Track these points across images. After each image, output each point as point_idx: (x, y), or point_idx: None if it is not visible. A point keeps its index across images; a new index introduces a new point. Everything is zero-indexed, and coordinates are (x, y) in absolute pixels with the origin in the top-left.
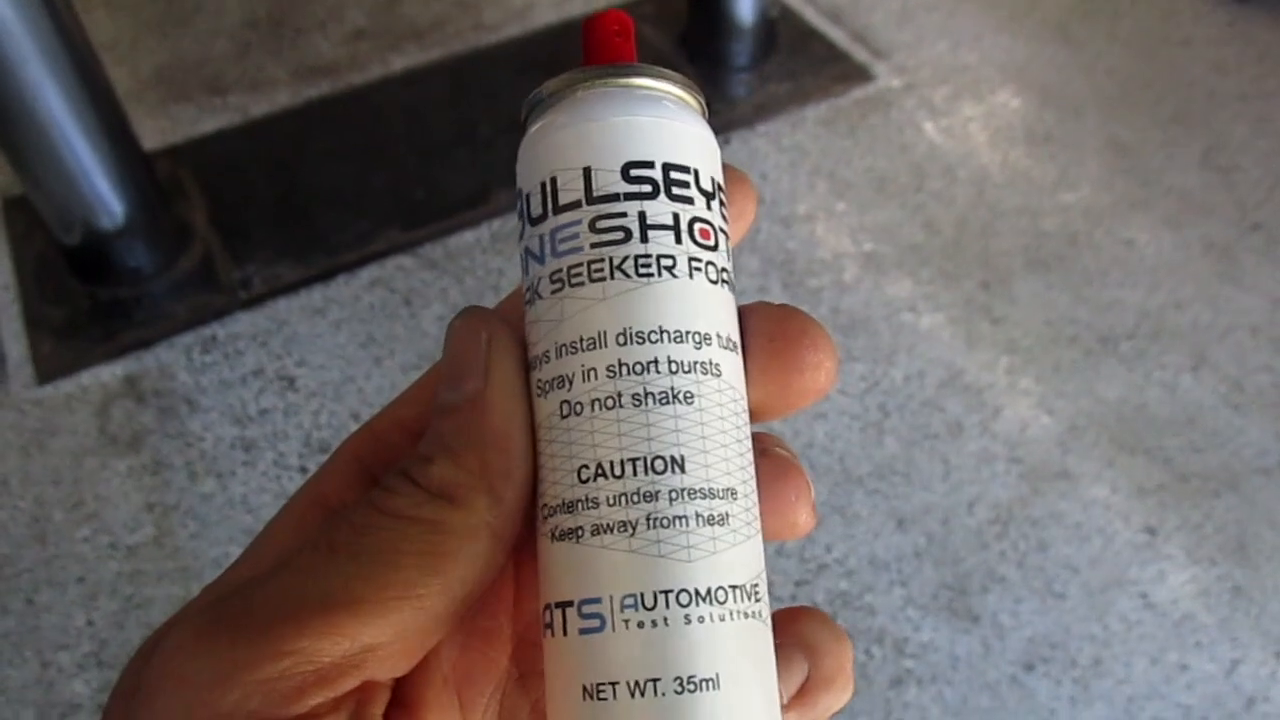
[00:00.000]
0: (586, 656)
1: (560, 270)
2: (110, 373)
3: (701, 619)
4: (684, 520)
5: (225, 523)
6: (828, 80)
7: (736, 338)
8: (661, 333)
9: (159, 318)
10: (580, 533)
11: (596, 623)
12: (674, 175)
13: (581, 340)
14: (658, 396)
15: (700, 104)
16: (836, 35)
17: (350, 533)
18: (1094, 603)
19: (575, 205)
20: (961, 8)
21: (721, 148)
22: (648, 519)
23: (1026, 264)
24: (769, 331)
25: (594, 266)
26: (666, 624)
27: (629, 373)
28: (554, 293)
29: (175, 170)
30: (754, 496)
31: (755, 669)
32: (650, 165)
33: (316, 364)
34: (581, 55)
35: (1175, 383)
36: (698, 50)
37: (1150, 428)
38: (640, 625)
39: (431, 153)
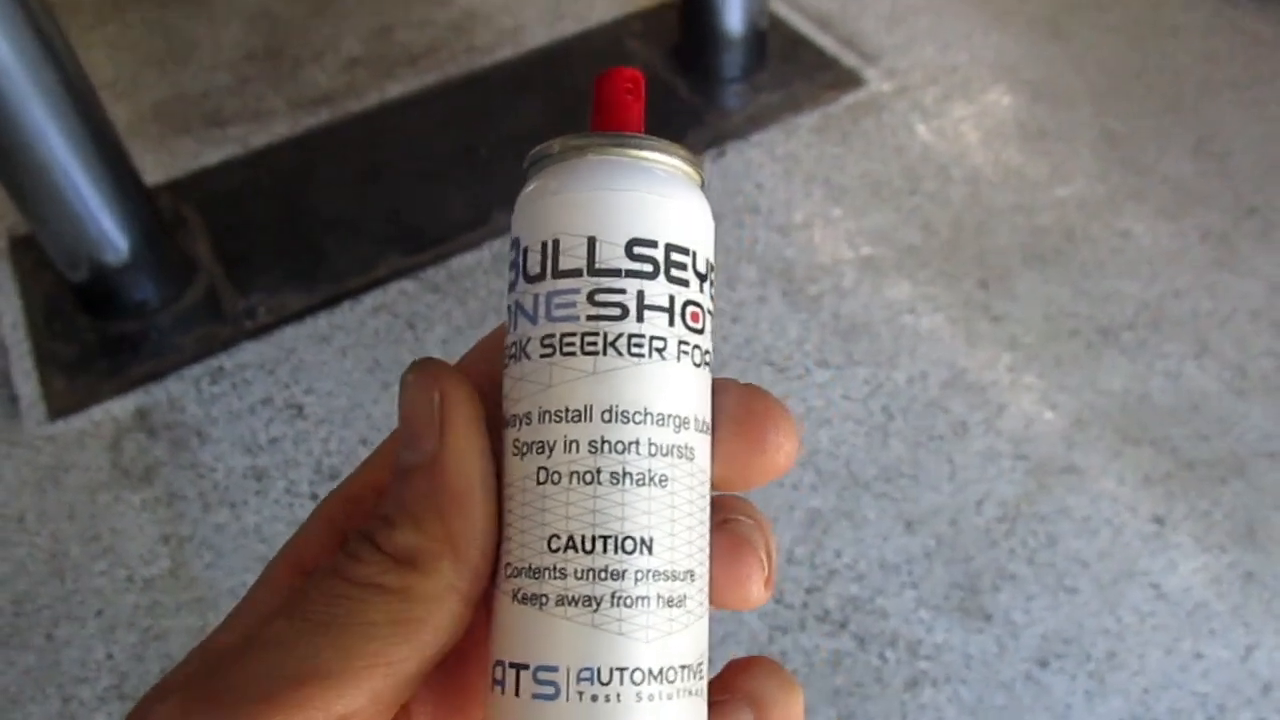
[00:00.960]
0: (533, 715)
1: (553, 336)
2: (121, 407)
3: (651, 697)
4: (646, 601)
5: (239, 552)
6: (819, 87)
7: (709, 419)
8: (646, 414)
9: (167, 350)
10: (544, 600)
11: (550, 690)
12: (674, 256)
13: (567, 411)
14: (635, 477)
15: (702, 177)
16: (826, 42)
17: (321, 602)
18: (1106, 595)
19: (576, 273)
20: (949, 8)
21: (716, 159)
22: (612, 596)
23: (1024, 260)
24: (736, 413)
25: (588, 339)
26: (619, 699)
27: (610, 450)
28: (543, 356)
29: (178, 203)
30: (707, 576)
31: None
32: (654, 244)
33: (324, 391)
34: (592, 110)
35: (1178, 371)
36: (689, 63)
37: (1155, 417)
38: (594, 699)
39: (430, 176)
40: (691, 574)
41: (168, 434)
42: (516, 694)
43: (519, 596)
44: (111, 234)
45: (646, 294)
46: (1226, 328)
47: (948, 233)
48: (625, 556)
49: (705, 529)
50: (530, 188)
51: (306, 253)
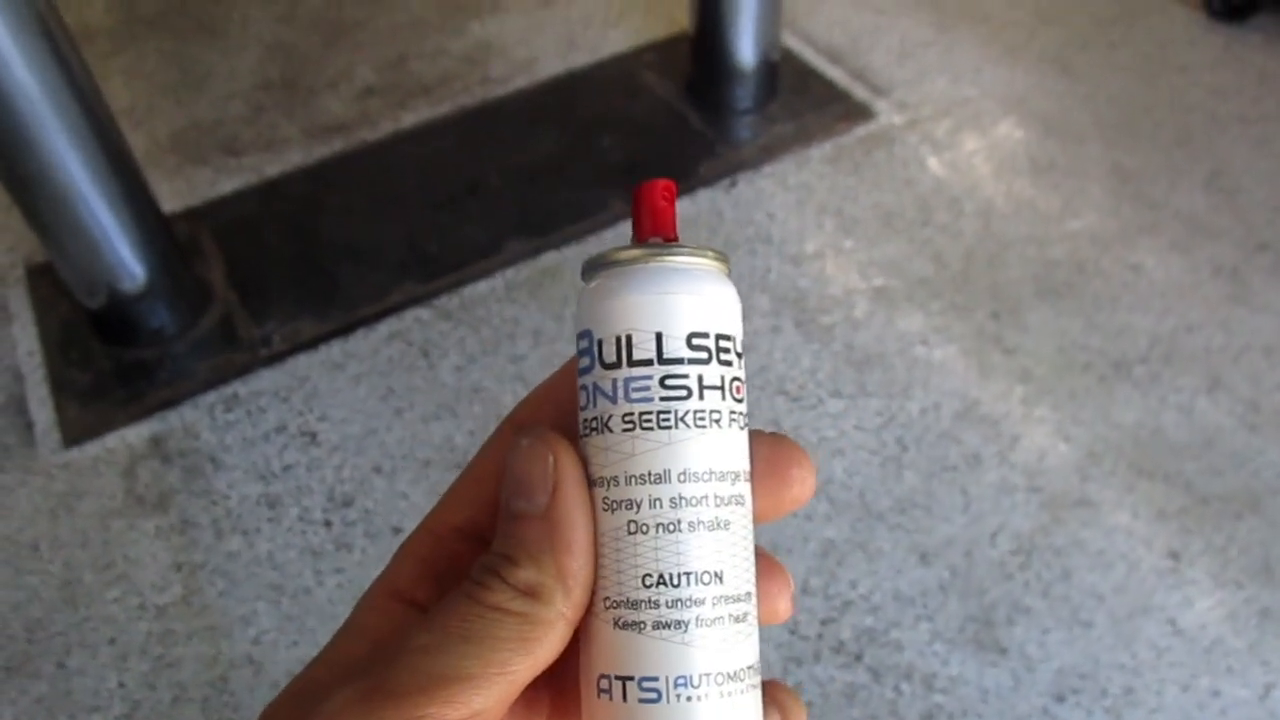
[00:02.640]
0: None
1: (632, 414)
2: (135, 434)
3: (729, 693)
4: (721, 620)
5: (252, 580)
6: (830, 119)
7: (749, 468)
8: (710, 473)
9: (182, 377)
10: (642, 626)
11: (654, 695)
12: (722, 343)
13: (649, 474)
14: (706, 524)
15: (730, 270)
16: (837, 75)
17: (457, 618)
18: (1121, 631)
19: (648, 363)
20: (959, 43)
21: (728, 189)
22: (696, 619)
23: (1036, 293)
24: (765, 455)
25: (662, 416)
26: (707, 698)
27: (686, 505)
28: (625, 430)
29: (194, 231)
30: (756, 595)
31: None
32: (706, 336)
33: (338, 418)
34: (636, 213)
35: (1191, 406)
36: (702, 95)
37: (1168, 452)
38: (689, 699)
39: (443, 205)
40: (750, 594)
41: (182, 461)
42: (624, 699)
43: (619, 623)
44: (128, 261)
45: (705, 377)
46: (1239, 363)
47: (960, 264)
48: (703, 587)
49: (753, 557)
50: (596, 287)
51: (321, 281)
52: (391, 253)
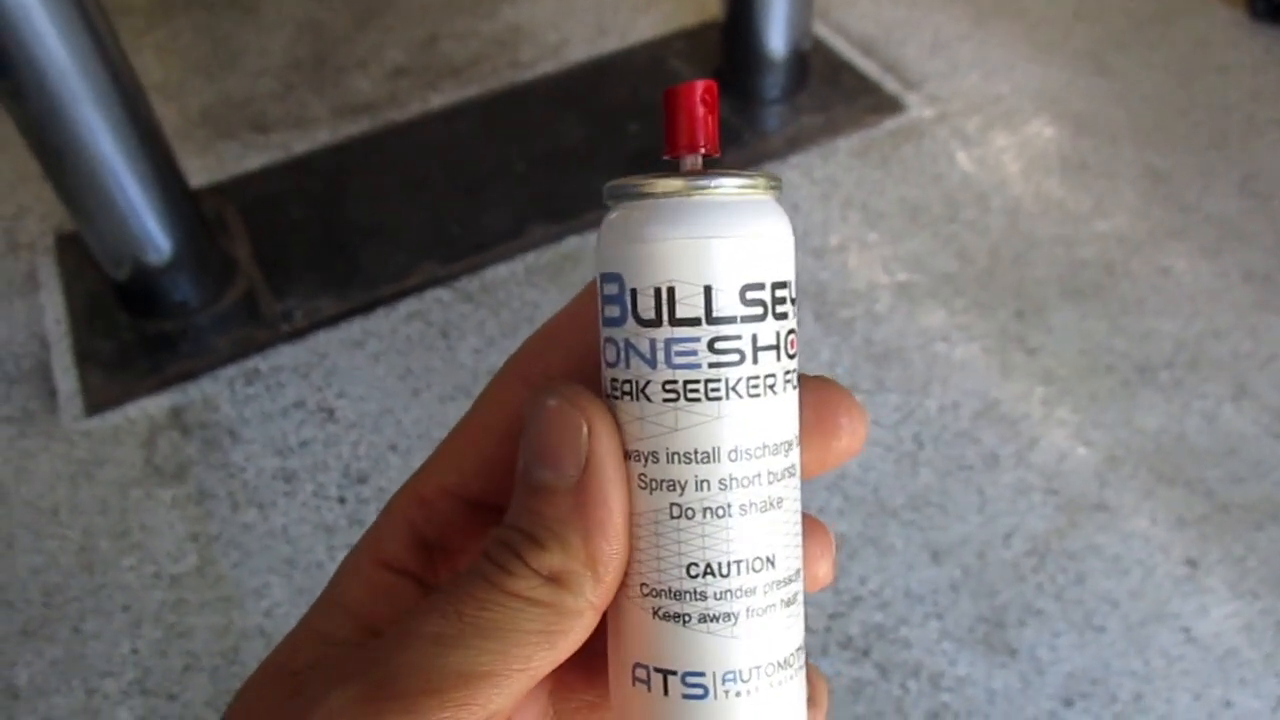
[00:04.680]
0: (682, 713)
1: (675, 382)
2: (156, 405)
3: (780, 683)
4: (773, 608)
5: (266, 552)
6: (860, 111)
7: (799, 428)
8: (764, 447)
9: (204, 351)
10: (687, 618)
11: (700, 691)
12: (778, 294)
13: (696, 453)
14: (759, 506)
15: (781, 193)
16: (868, 67)
17: (474, 606)
18: (1134, 637)
19: (694, 322)
20: (994, 38)
21: None
22: (747, 611)
23: (1062, 293)
24: (811, 404)
25: (711, 386)
26: (758, 691)
27: (738, 486)
28: (666, 401)
29: (221, 206)
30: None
31: (803, 705)
32: (762, 287)
33: (356, 396)
34: (669, 125)
35: (1215, 412)
36: (731, 84)
37: (1190, 458)
38: (738, 695)
39: (468, 188)
40: (799, 571)
41: (201, 433)
42: (665, 694)
43: (660, 614)
44: (155, 234)
45: (759, 336)
46: (1266, 370)
47: (985, 262)
48: (754, 575)
49: (800, 526)
50: (626, 221)
51: (344, 259)
52: (414, 233)
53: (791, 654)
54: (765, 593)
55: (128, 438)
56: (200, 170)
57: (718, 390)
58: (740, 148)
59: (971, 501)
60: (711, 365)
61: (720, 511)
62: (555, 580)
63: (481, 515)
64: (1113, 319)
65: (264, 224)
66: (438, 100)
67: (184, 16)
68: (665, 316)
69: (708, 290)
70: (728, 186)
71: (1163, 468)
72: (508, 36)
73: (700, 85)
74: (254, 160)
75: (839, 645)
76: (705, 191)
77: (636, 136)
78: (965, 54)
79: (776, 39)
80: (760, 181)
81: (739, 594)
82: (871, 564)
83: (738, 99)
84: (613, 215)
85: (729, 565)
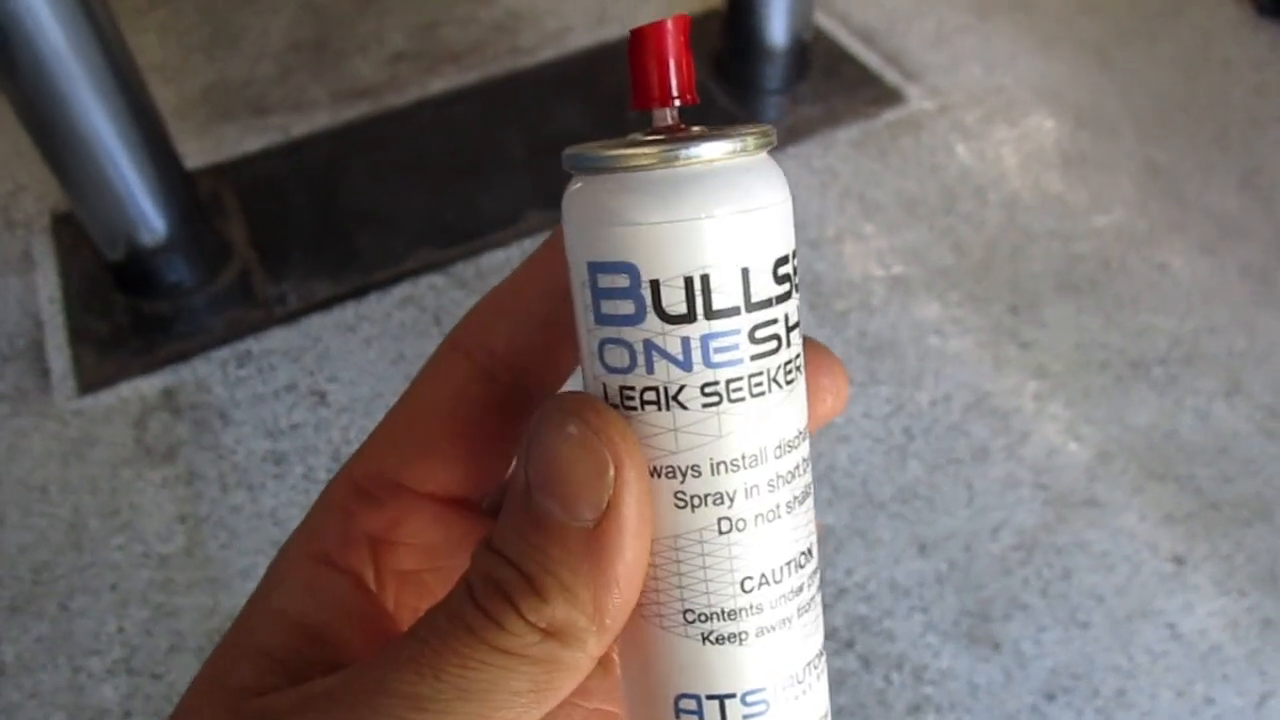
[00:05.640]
0: None
1: (717, 384)
2: (149, 385)
3: (822, 671)
4: (815, 599)
5: (254, 534)
6: (860, 102)
7: None
8: (799, 434)
9: (197, 332)
10: (744, 636)
11: (762, 708)
12: (794, 263)
13: (744, 458)
14: (799, 497)
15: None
16: (869, 58)
17: (457, 664)
18: (1119, 632)
19: (733, 312)
20: (996, 30)
21: None
22: (798, 610)
23: (1057, 288)
24: None
25: (754, 381)
26: (811, 688)
27: (784, 483)
28: (707, 406)
29: (217, 188)
30: None
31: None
32: (786, 260)
33: (347, 380)
34: (642, 71)
35: (1208, 410)
36: (730, 73)
37: (1181, 455)
38: (796, 698)
39: (465, 173)
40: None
41: (192, 414)
42: (723, 719)
43: (712, 638)
44: (150, 215)
45: (790, 316)
46: (1262, 368)
47: (981, 255)
48: (802, 570)
49: None
50: (629, 196)
51: (339, 242)
52: (410, 218)
53: (824, 638)
54: (809, 585)
55: (119, 418)
56: (198, 152)
57: (761, 385)
58: None
59: (960, 495)
60: (754, 358)
61: (771, 515)
62: (555, 634)
63: (425, 505)
64: (1108, 314)
65: (260, 206)
66: (437, 85)
67: None
68: (701, 309)
69: (745, 273)
70: (748, 145)
71: (1153, 464)
72: (508, 22)
73: (671, 23)
74: (252, 143)
75: (823, 636)
76: (737, 156)
77: (635, 124)
78: (968, 45)
79: (778, 29)
80: (768, 133)
81: (790, 595)
82: (858, 556)
83: (738, 88)
84: (596, 189)
85: (781, 570)
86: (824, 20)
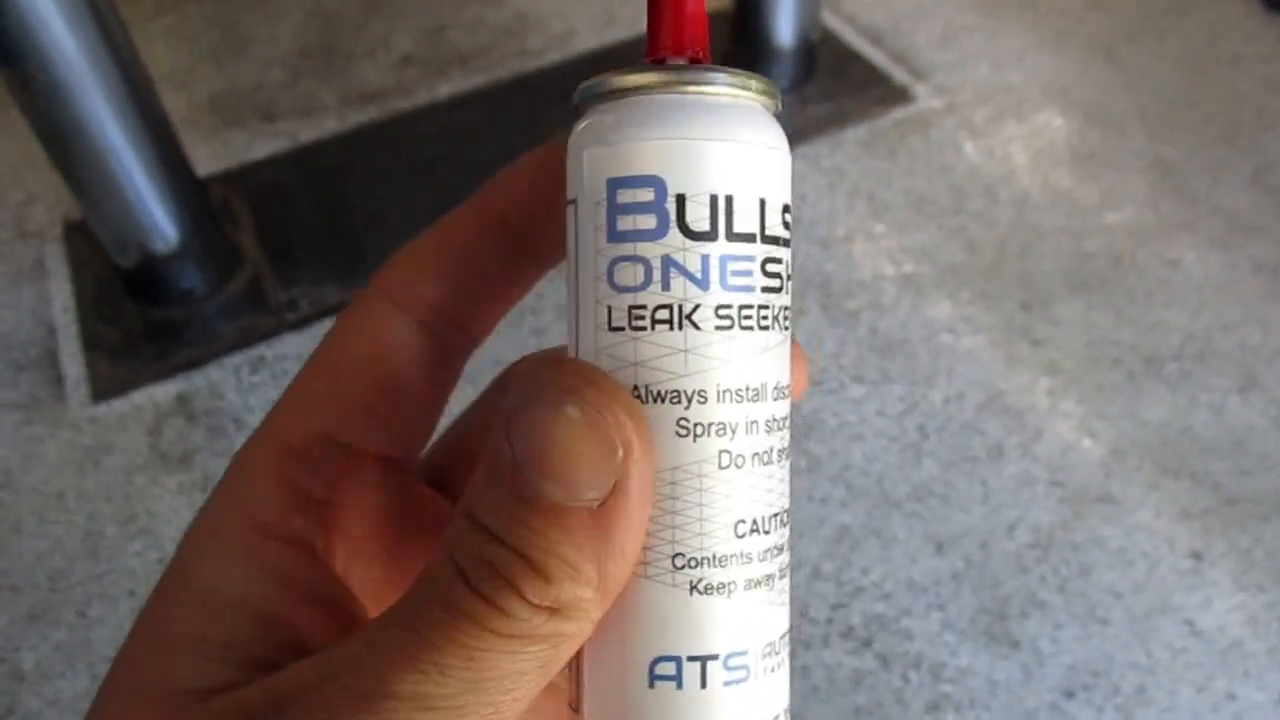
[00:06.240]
0: (729, 707)
1: (731, 307)
2: (163, 391)
3: (787, 657)
4: (789, 570)
5: None
6: (868, 102)
7: None
8: (787, 387)
9: (209, 338)
10: (733, 587)
11: (743, 673)
12: (789, 219)
13: (748, 390)
14: (786, 451)
15: None
16: (876, 57)
17: (462, 658)
18: (1137, 629)
19: (751, 238)
20: (1004, 29)
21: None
22: (780, 572)
23: (1068, 285)
24: None
25: (763, 313)
26: (785, 662)
27: (778, 429)
28: (719, 329)
29: (227, 194)
30: None
31: None
32: (789, 210)
33: None
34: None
35: (1222, 405)
36: None
37: (1196, 451)
38: (773, 670)
39: (474, 177)
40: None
41: (206, 420)
42: (703, 685)
43: (700, 588)
44: (161, 222)
45: (787, 262)
46: (1276, 362)
47: (991, 253)
48: (784, 529)
49: None
50: (667, 117)
51: (349, 247)
52: (419, 222)
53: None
54: (787, 550)
55: (134, 424)
56: (207, 158)
57: (767, 318)
58: None
59: (975, 493)
60: (764, 290)
61: (766, 458)
62: (560, 610)
63: (368, 464)
64: (1120, 311)
65: (270, 212)
66: (445, 89)
67: (193, 4)
68: (724, 229)
69: (762, 204)
70: (769, 89)
71: (1168, 460)
72: (516, 26)
73: None
74: (261, 148)
75: (840, 636)
76: (755, 94)
77: None
78: (975, 44)
79: (785, 29)
80: (777, 95)
81: (775, 553)
82: (874, 555)
83: None
84: (620, 112)
85: (770, 520)
86: (831, 20)
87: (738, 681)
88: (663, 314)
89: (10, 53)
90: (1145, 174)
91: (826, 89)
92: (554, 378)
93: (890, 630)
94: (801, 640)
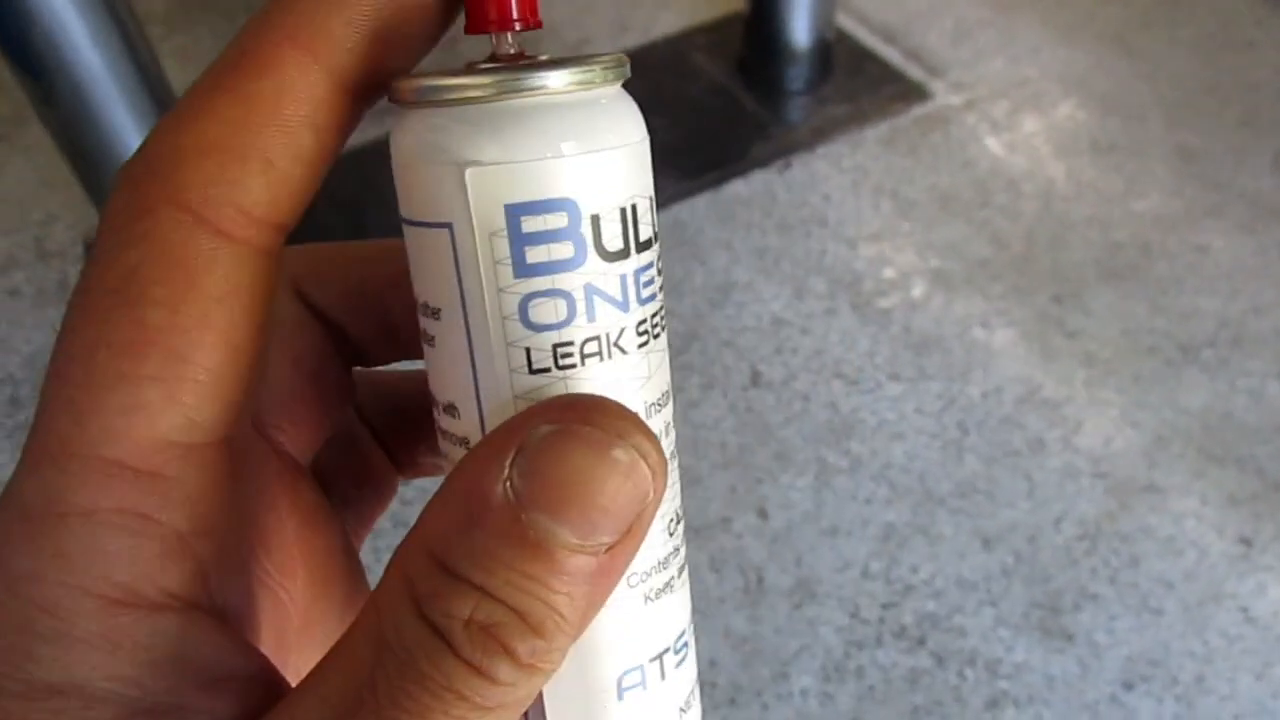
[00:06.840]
0: (678, 684)
1: (645, 320)
2: None
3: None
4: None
5: None
6: (885, 100)
7: None
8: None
9: None
10: (673, 585)
11: (685, 650)
12: None
13: (663, 396)
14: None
15: None
16: (891, 55)
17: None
18: (1192, 618)
19: (649, 244)
20: (1016, 23)
21: (783, 171)
22: (683, 556)
23: (1099, 275)
24: None
25: (659, 317)
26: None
27: (672, 429)
28: (640, 347)
29: None
30: None
31: None
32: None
33: None
34: None
35: (1261, 389)
36: (754, 77)
37: (1238, 436)
38: (694, 637)
39: None
40: None
41: None
42: (663, 677)
43: (653, 595)
44: None
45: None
46: None
47: (1020, 247)
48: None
49: None
50: (564, 128)
51: None
52: None
53: None
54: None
55: None
56: None
57: (659, 321)
58: (766, 141)
59: (1020, 487)
60: (661, 289)
61: (674, 454)
62: (538, 668)
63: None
64: (1152, 299)
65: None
66: None
67: (204, 23)
68: (633, 242)
69: (650, 202)
70: (624, 65)
71: (1211, 447)
72: (530, 35)
73: None
74: None
75: (893, 635)
76: (622, 73)
77: (660, 131)
78: (989, 39)
79: (800, 30)
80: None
81: (682, 544)
82: (922, 552)
83: (761, 92)
84: (496, 121)
85: (680, 510)
86: (844, 20)
87: (683, 658)
88: (592, 347)
89: (36, 68)
90: (1167, 161)
91: (844, 89)
92: (594, 416)
93: (943, 628)
94: (855, 641)
